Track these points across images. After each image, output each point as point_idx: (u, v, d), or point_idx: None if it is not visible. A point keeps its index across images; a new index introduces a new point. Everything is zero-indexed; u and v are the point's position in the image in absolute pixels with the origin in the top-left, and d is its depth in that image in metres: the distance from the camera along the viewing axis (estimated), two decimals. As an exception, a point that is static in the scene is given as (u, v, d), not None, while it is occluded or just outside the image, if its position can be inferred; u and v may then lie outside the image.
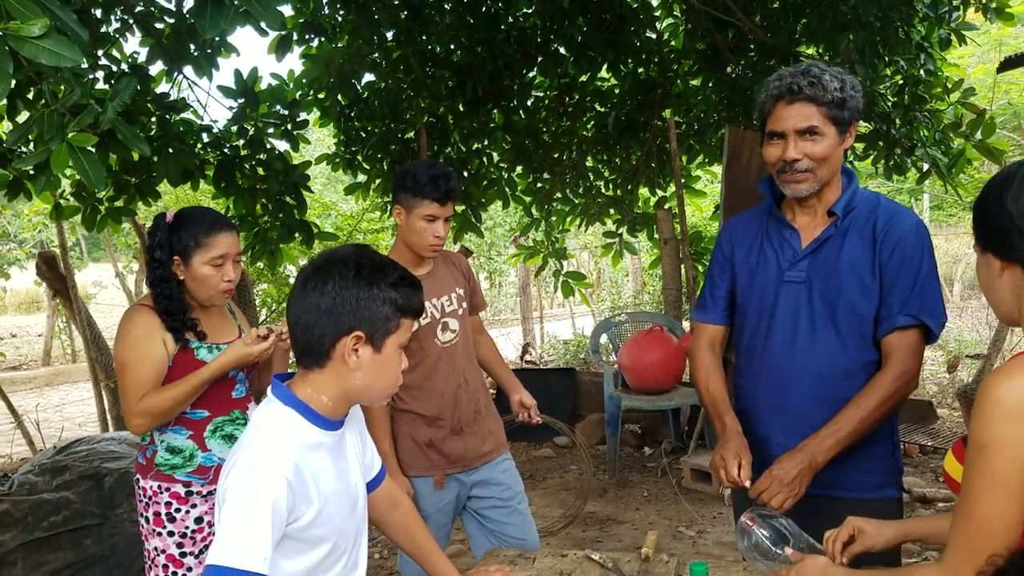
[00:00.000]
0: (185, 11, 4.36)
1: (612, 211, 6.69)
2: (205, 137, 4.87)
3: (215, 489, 2.26)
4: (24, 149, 3.66)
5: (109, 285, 13.42)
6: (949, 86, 5.26)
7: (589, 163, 6.68)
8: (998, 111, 8.29)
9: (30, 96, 3.53)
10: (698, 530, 4.13)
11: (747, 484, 1.80)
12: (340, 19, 5.51)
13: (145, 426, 2.20)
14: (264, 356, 2.28)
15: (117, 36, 4.40)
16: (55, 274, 5.29)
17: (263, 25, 3.53)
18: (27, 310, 15.27)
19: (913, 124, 5.37)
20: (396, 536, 1.81)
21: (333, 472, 1.46)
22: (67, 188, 4.60)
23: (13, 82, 3.42)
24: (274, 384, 1.46)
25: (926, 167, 5.47)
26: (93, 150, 2.26)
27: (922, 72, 5.25)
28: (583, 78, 6.22)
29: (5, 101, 3.70)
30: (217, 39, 4.76)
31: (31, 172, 4.28)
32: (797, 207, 1.96)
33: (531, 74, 6.17)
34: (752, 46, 5.71)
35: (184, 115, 4.77)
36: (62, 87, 2.39)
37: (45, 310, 11.00)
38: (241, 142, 4.87)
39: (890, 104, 5.34)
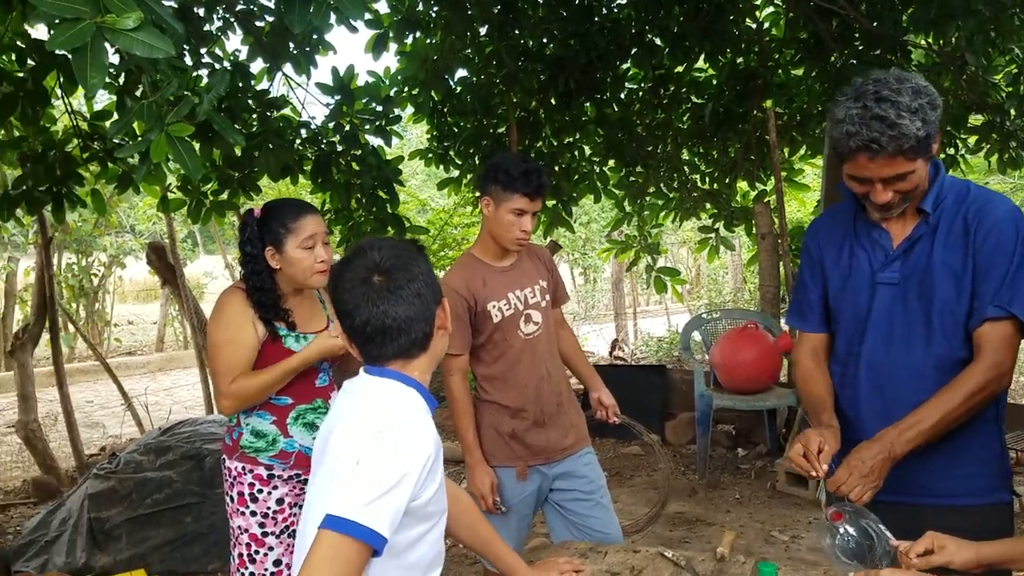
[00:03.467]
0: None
1: (708, 205, 6.52)
2: (303, 133, 5.02)
3: (296, 474, 2.33)
4: (128, 141, 3.85)
5: (219, 276, 14.05)
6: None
7: (685, 156, 6.53)
8: None
9: (138, 93, 3.71)
10: (792, 535, 3.97)
11: (823, 468, 1.71)
12: (434, 15, 5.57)
13: (233, 408, 2.29)
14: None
15: (219, 34, 4.57)
16: (164, 264, 5.56)
17: (352, 21, 3.62)
18: (145, 298, 16.16)
19: (1030, 115, 5.02)
20: (459, 531, 1.77)
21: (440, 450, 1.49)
22: (173, 182, 4.82)
23: (122, 77, 3.62)
24: (377, 369, 1.45)
25: (1046, 161, 5.10)
26: (190, 140, 2.35)
27: (1040, 59, 4.89)
28: (679, 69, 6.08)
29: (115, 98, 3.92)
30: (315, 37, 4.91)
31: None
32: None
33: (625, 66, 6.08)
34: (857, 35, 5.45)
35: (283, 112, 4.92)
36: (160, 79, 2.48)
37: (160, 298, 11.60)
38: (337, 138, 4.99)
39: (1004, 95, 5.00)
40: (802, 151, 6.24)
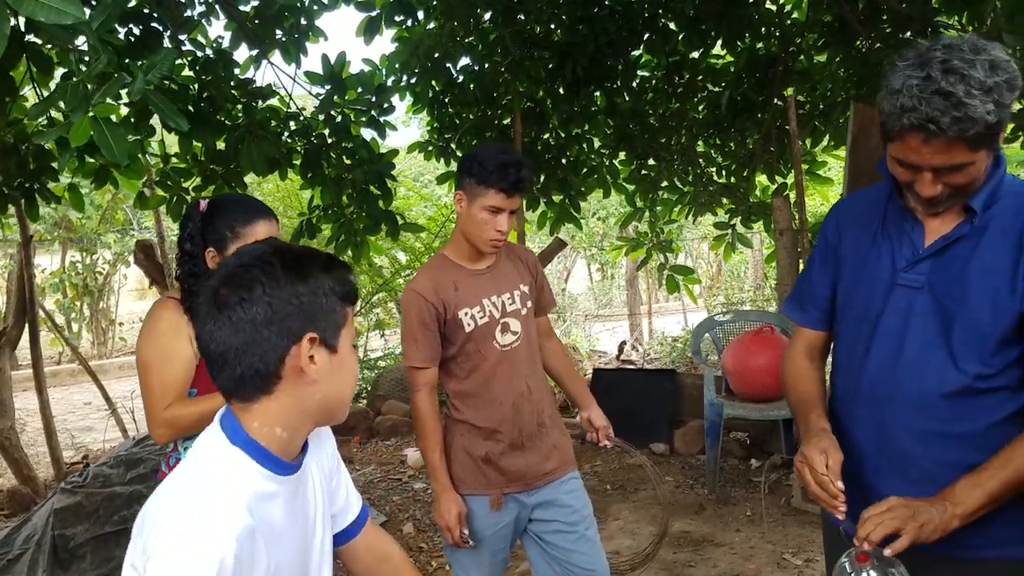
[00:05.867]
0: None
1: (725, 200, 6.17)
2: (292, 125, 4.77)
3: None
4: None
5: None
6: None
7: (700, 148, 6.18)
8: None
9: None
10: (806, 558, 3.65)
11: (839, 487, 1.45)
12: (434, -1, 5.29)
13: (167, 437, 2.01)
14: None
15: (200, 20, 4.32)
16: (152, 263, 5.35)
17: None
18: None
19: (1078, 99, 4.60)
20: None
21: (290, 530, 1.16)
22: (153, 176, 4.58)
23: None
24: (225, 412, 1.17)
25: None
26: (119, 122, 2.09)
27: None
28: (694, 55, 5.74)
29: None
30: (304, 23, 4.65)
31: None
32: None
33: (636, 52, 5.76)
34: (885, 17, 5.08)
35: (270, 102, 4.67)
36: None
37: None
38: (327, 130, 4.73)
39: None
40: (825, 142, 5.88)
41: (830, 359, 1.78)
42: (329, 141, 4.72)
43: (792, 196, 5.25)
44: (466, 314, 2.30)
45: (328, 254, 1.18)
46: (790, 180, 5.84)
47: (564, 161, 5.91)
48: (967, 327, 1.47)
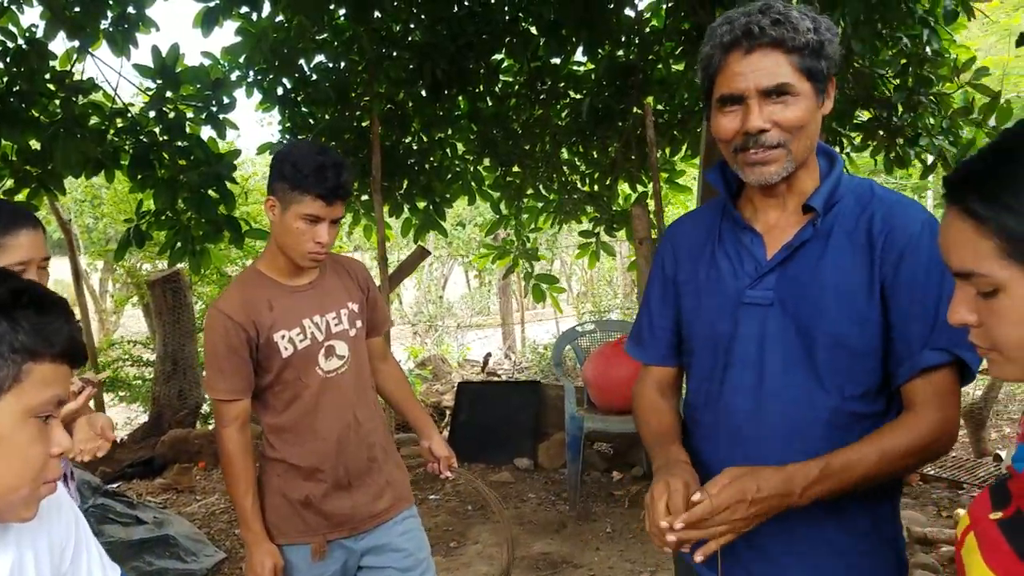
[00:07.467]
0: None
1: (589, 208, 6.11)
2: (119, 122, 4.34)
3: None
4: None
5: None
6: (958, 66, 4.65)
7: (564, 155, 6.10)
8: (1013, 103, 7.68)
9: None
10: (665, 576, 3.58)
11: (676, 528, 1.22)
12: (280, -10, 4.94)
13: None
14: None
15: (10, 7, 3.86)
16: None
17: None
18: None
19: (917, 110, 4.78)
20: None
21: None
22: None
23: None
24: None
25: (931, 159, 4.89)
26: None
27: (927, 50, 4.63)
28: (556, 61, 5.65)
29: None
30: (133, 12, 4.24)
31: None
32: (759, 200, 1.42)
33: (499, 57, 5.61)
34: (740, 25, 5.14)
35: (92, 97, 4.24)
36: None
37: None
38: (159, 128, 4.33)
39: (891, 88, 4.76)
40: (683, 150, 5.92)
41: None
42: (161, 140, 4.32)
43: (652, 204, 5.24)
44: (283, 337, 2.04)
45: (19, 290, 0.89)
46: (651, 189, 5.85)
47: (427, 166, 5.70)
48: (829, 341, 1.33)
